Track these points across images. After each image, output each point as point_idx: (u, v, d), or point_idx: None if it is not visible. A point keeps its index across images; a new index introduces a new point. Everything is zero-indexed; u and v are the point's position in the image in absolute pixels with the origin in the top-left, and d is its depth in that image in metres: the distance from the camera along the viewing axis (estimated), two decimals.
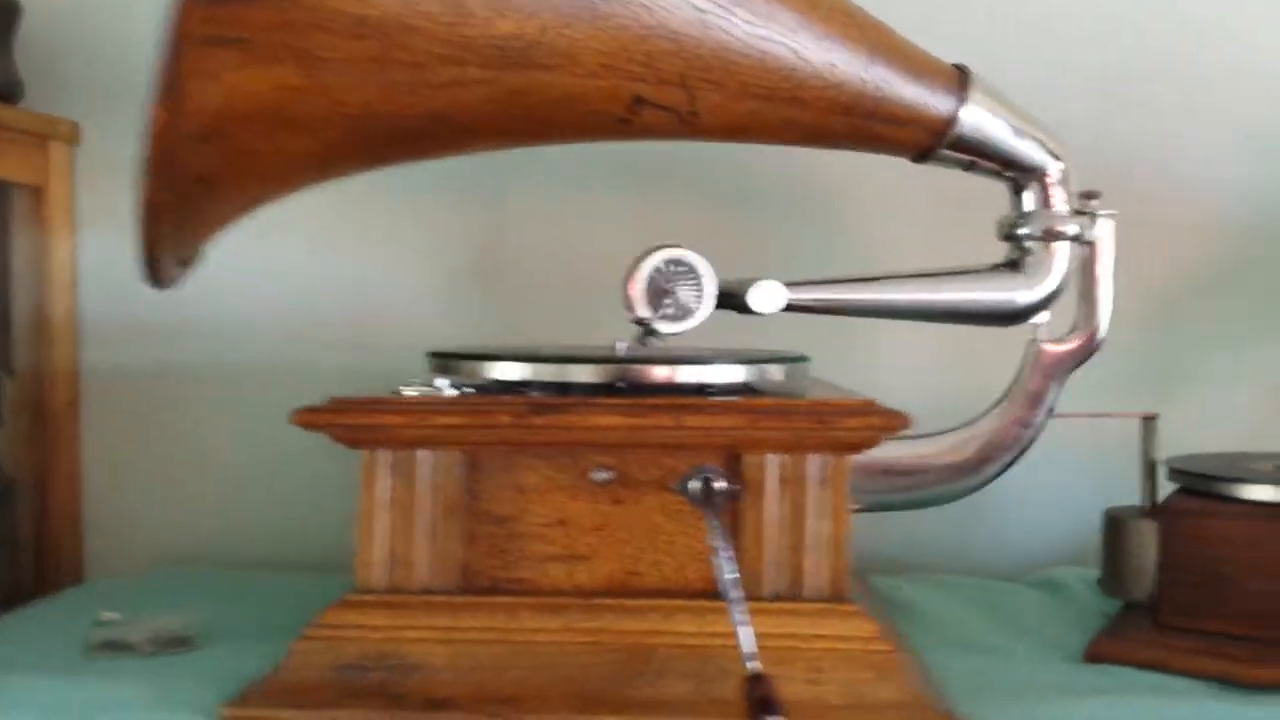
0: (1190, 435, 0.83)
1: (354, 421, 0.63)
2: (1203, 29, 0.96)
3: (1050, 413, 0.76)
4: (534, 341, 0.94)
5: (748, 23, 0.60)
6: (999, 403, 0.75)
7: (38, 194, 0.98)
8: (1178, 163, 0.96)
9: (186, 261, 0.63)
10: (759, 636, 0.59)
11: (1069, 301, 0.75)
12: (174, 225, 0.54)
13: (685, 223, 0.97)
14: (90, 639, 0.70)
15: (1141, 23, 0.96)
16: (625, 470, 0.64)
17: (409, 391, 0.65)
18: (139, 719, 0.59)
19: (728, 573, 0.58)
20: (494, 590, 0.65)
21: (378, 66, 0.53)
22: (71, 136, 1.00)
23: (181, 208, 0.53)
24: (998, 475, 0.76)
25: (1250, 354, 0.95)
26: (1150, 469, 0.77)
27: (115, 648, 0.69)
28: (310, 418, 0.63)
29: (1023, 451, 0.75)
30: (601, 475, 0.64)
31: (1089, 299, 0.74)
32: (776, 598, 0.64)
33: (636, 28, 0.57)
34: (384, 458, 0.64)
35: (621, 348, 0.69)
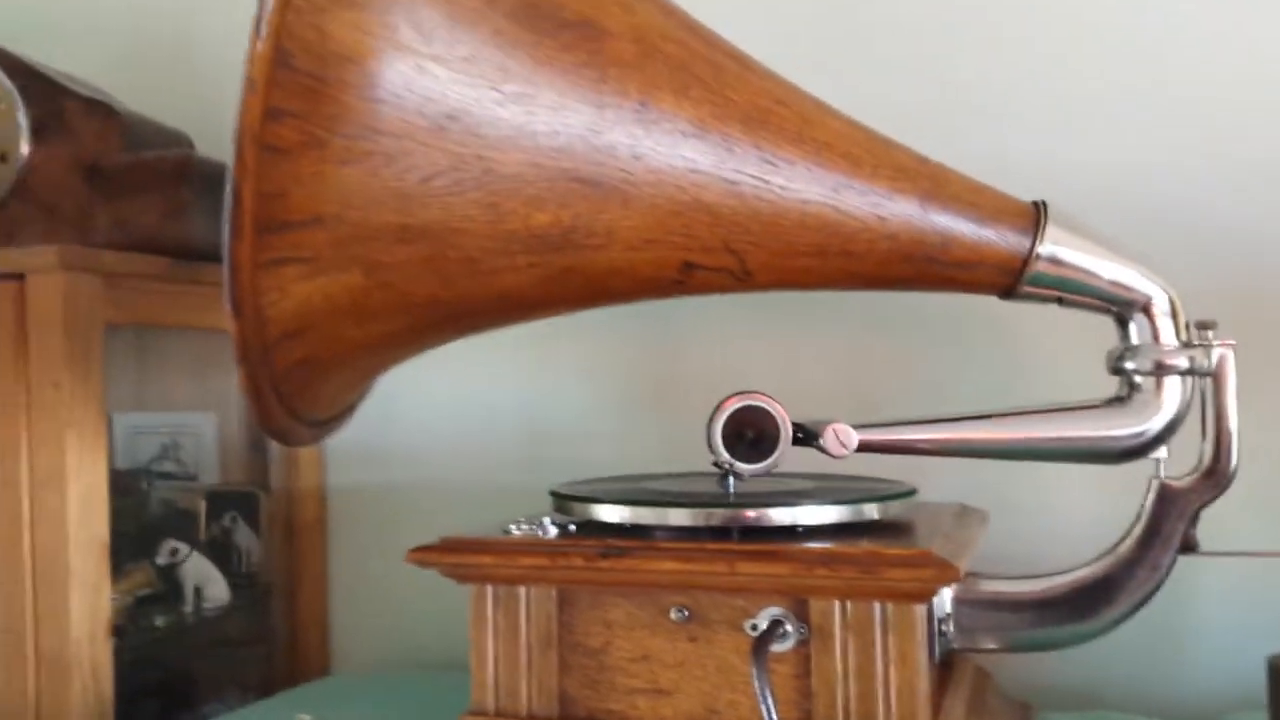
0: None
1: (458, 560, 0.71)
2: None
3: (1190, 549, 0.71)
4: (699, 461, 0.99)
5: (783, 188, 0.64)
6: (1121, 542, 0.71)
7: None
8: None
9: (327, 422, 0.74)
10: None
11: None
12: (290, 397, 0.65)
13: (847, 352, 0.99)
14: None
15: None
16: (699, 610, 0.68)
17: (515, 530, 0.72)
18: None
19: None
20: (589, 719, 0.70)
21: (433, 264, 0.61)
22: None
23: (289, 386, 0.64)
24: (1127, 617, 0.71)
25: None
26: None
27: None
28: (422, 556, 0.71)
29: (1153, 592, 0.71)
30: (679, 614, 0.68)
31: (1216, 433, 0.69)
32: None
33: (669, 205, 0.62)
34: (489, 591, 0.71)
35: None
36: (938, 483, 0.88)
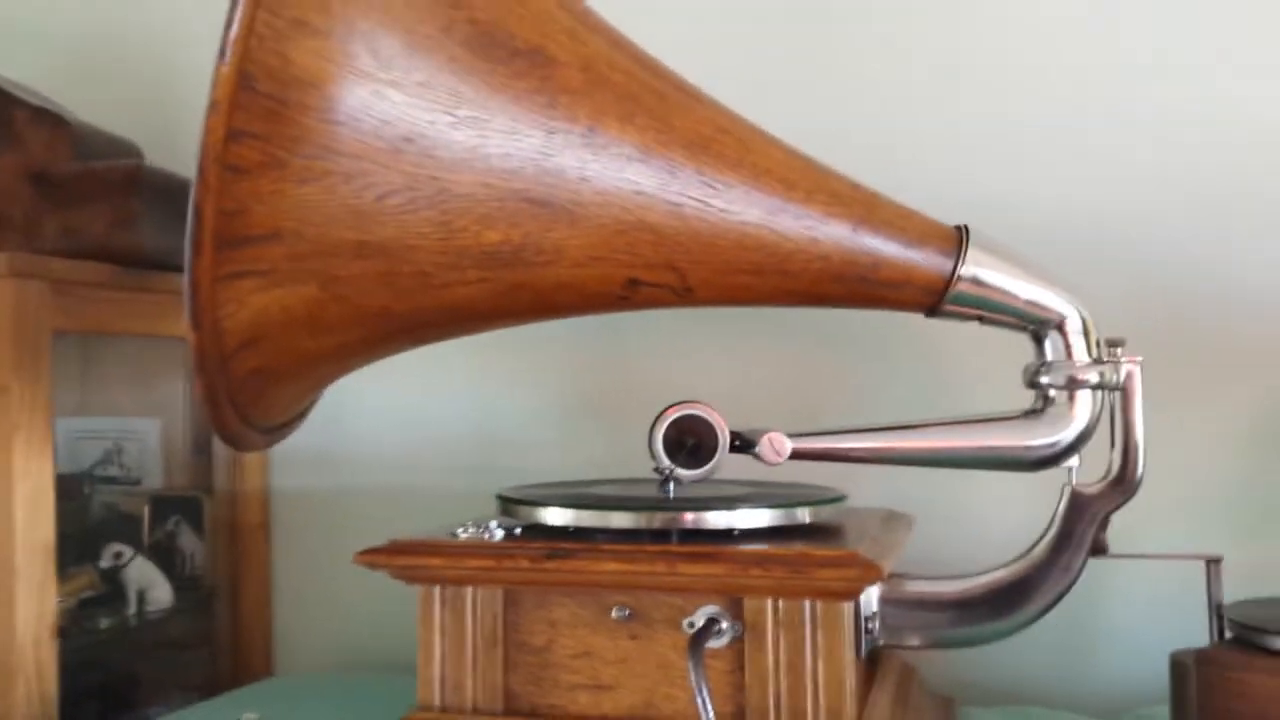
0: None
1: (405, 562, 0.73)
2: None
3: (1100, 552, 0.76)
4: (642, 469, 1.02)
5: (723, 211, 0.67)
6: (1035, 545, 0.76)
7: None
8: (1268, 281, 0.93)
9: (278, 428, 0.76)
10: None
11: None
12: (244, 405, 0.67)
13: (787, 363, 1.04)
14: None
15: (1225, 130, 0.94)
16: (640, 609, 0.71)
17: (462, 533, 0.75)
18: None
19: (703, 714, 0.63)
20: (532, 714, 0.73)
21: (387, 278, 0.64)
22: None
23: (243, 395, 0.66)
24: (1043, 614, 0.76)
25: None
26: (1217, 612, 0.75)
27: None
28: (371, 558, 0.74)
29: (1064, 592, 0.75)
30: (620, 613, 0.71)
31: (1123, 444, 0.74)
32: None
33: (614, 225, 0.66)
34: (436, 593, 0.74)
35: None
36: (867, 489, 0.92)
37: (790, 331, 1.04)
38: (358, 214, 0.61)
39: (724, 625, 0.69)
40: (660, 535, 0.72)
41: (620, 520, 0.74)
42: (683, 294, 0.70)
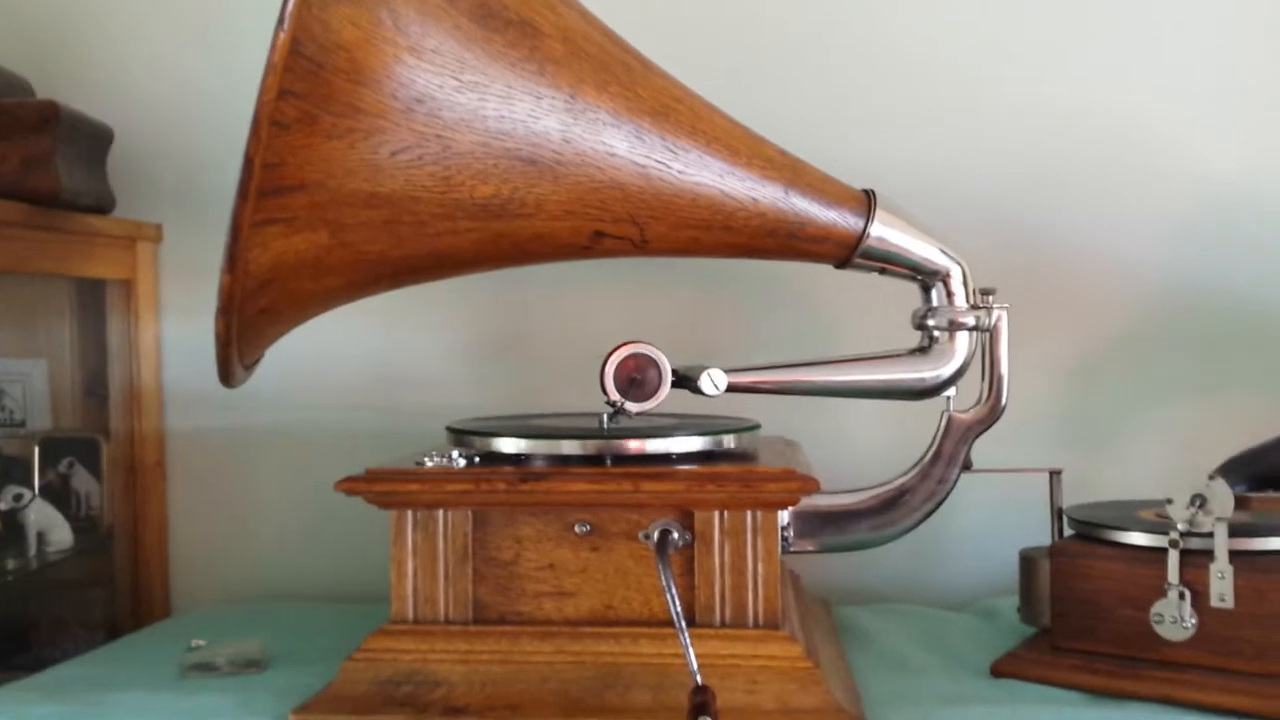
0: (1113, 484, 1.01)
1: (383, 489, 0.80)
2: (1123, 128, 1.10)
3: (967, 468, 0.91)
4: (544, 407, 1.11)
5: (682, 172, 0.77)
6: (919, 462, 0.90)
7: (128, 287, 1.17)
8: (1098, 245, 1.11)
9: (253, 364, 0.80)
10: (710, 657, 0.76)
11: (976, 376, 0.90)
12: (243, 344, 0.72)
13: (679, 308, 1.14)
14: (183, 661, 0.88)
15: (1070, 119, 1.11)
16: (600, 524, 0.80)
17: (429, 462, 0.82)
18: None
19: (672, 607, 0.73)
20: (500, 620, 0.81)
21: (389, 226, 0.70)
22: (155, 236, 1.19)
23: (247, 333, 0.71)
24: (920, 522, 0.90)
25: (1162, 414, 1.10)
26: (1058, 515, 0.91)
27: (204, 668, 0.87)
28: (350, 486, 0.80)
29: (941, 502, 0.90)
30: (582, 528, 0.80)
31: (991, 376, 0.89)
32: (723, 624, 0.79)
33: (590, 183, 0.74)
34: (409, 516, 0.81)
35: (605, 421, 0.85)
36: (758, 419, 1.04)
37: (679, 278, 1.15)
38: (373, 168, 0.67)
39: (676, 535, 0.79)
40: (598, 461, 0.81)
41: (570, 448, 0.82)
42: (640, 245, 0.79)
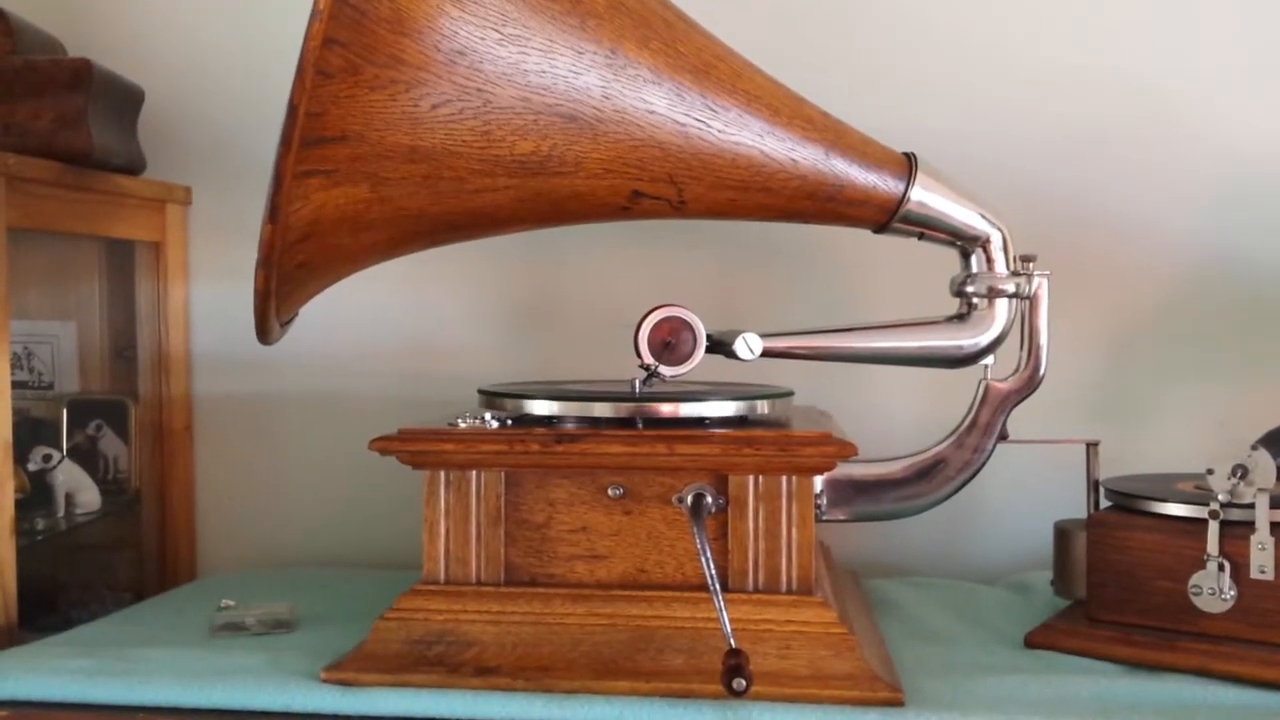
0: (1146, 459, 1.00)
1: (418, 448, 0.79)
2: (1160, 97, 1.09)
3: (1004, 438, 0.90)
4: (574, 374, 1.10)
5: (721, 131, 0.76)
6: (955, 431, 0.89)
7: (157, 249, 1.16)
8: (1139, 214, 1.09)
9: (287, 322, 0.80)
10: (742, 622, 0.76)
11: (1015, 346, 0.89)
12: (280, 300, 0.71)
13: (710, 277, 1.13)
14: (213, 621, 0.88)
15: (1108, 86, 1.09)
16: (634, 488, 0.80)
17: (462, 423, 0.82)
18: (259, 681, 0.76)
19: (707, 571, 0.73)
20: (532, 583, 0.81)
21: (429, 182, 0.69)
22: (185, 198, 1.19)
23: (285, 288, 0.70)
24: (955, 492, 0.89)
25: (1194, 389, 1.08)
26: (1094, 487, 0.91)
27: (233, 628, 0.87)
28: (384, 445, 0.79)
29: (976, 472, 0.89)
30: (615, 491, 0.80)
31: (1030, 345, 0.88)
32: (756, 590, 0.79)
33: (629, 141, 0.73)
34: (442, 477, 0.80)
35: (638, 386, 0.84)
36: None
37: (711, 245, 1.14)
38: (414, 120, 0.66)
39: (710, 499, 0.79)
40: (630, 424, 0.80)
41: (603, 410, 0.82)
42: (678, 206, 0.78)
